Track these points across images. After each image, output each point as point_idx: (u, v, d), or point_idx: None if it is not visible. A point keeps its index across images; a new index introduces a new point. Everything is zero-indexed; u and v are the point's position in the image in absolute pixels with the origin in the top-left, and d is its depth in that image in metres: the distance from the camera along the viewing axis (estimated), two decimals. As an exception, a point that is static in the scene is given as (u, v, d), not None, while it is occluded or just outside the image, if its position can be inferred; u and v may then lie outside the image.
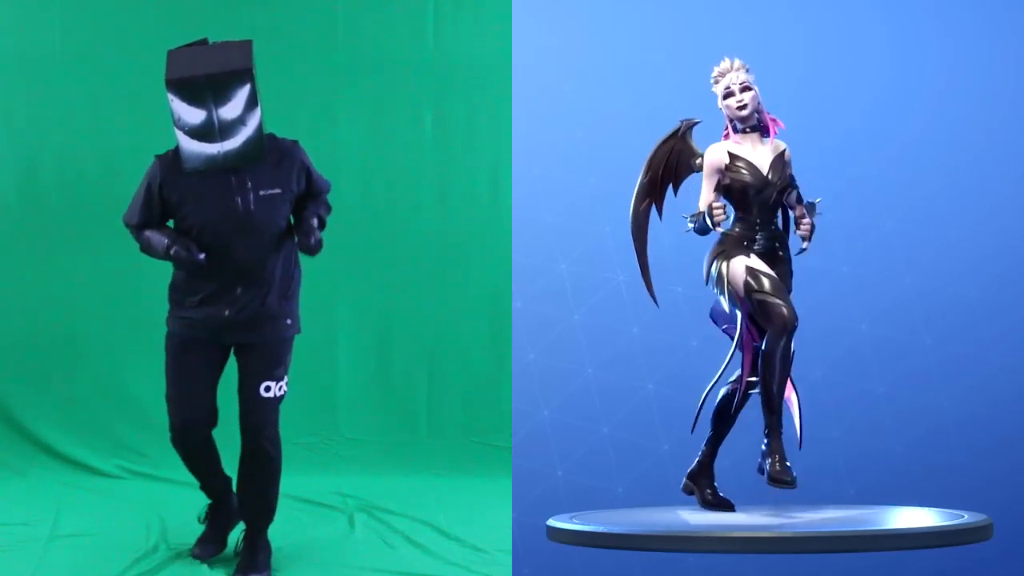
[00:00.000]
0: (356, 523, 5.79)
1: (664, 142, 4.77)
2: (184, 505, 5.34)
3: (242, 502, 5.06)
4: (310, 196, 5.00)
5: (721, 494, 4.78)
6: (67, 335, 6.49)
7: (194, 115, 4.58)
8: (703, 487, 4.79)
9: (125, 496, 5.58)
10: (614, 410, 5.66)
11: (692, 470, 4.81)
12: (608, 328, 5.68)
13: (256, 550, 5.07)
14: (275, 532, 5.64)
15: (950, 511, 4.71)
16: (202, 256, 4.72)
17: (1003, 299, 5.64)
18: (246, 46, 4.69)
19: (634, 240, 4.75)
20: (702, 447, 4.78)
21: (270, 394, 4.89)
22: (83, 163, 6.35)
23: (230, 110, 4.59)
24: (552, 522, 4.65)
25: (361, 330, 6.70)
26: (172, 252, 4.73)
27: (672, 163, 4.75)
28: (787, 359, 4.56)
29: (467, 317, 6.70)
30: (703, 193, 4.67)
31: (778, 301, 4.54)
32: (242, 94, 4.58)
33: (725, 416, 4.71)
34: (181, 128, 4.61)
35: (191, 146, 4.62)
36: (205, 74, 4.55)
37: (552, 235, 5.73)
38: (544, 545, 4.73)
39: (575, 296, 5.72)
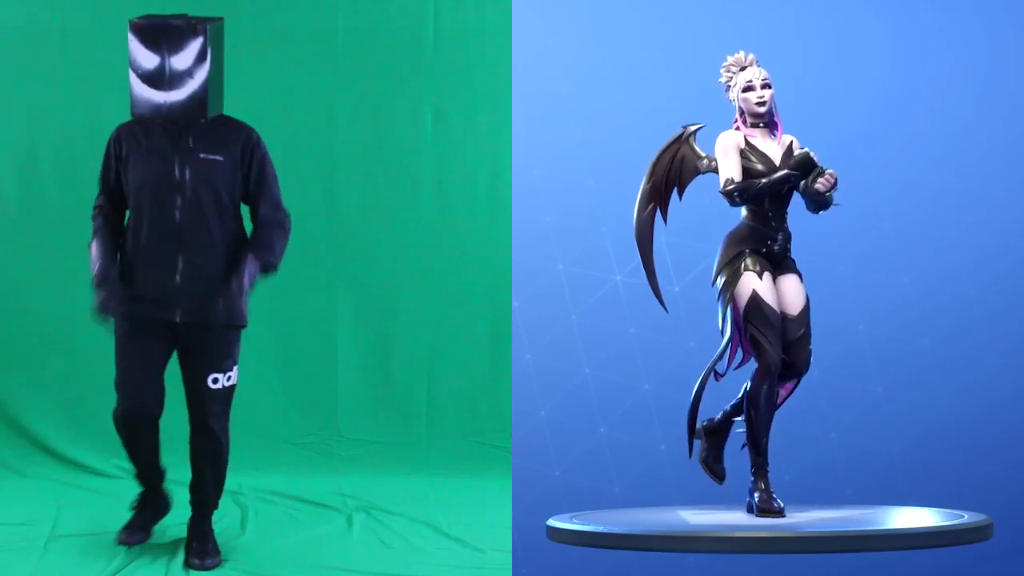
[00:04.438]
0: (354, 523, 5.78)
1: (667, 148, 4.77)
2: (182, 505, 5.34)
3: (192, 488, 5.22)
4: (260, 198, 5.07)
5: (721, 464, 4.78)
6: (67, 334, 6.47)
7: (148, 59, 4.87)
8: (712, 446, 4.79)
9: (125, 496, 5.57)
10: (611, 410, 5.66)
11: (713, 423, 4.79)
12: (605, 328, 5.68)
13: (206, 536, 5.23)
14: (274, 531, 5.65)
15: (950, 511, 4.71)
16: (111, 317, 4.97)
17: (1003, 300, 5.64)
18: (213, 19, 5.01)
19: (639, 246, 4.74)
20: (729, 407, 4.76)
21: (218, 386, 5.05)
22: (83, 162, 6.32)
23: (181, 60, 4.86)
24: (552, 522, 4.65)
25: (361, 330, 6.69)
26: (96, 284, 4.97)
27: (676, 168, 4.75)
28: (771, 401, 4.61)
29: (467, 317, 6.69)
30: (724, 168, 4.63)
31: (768, 347, 4.57)
32: (194, 46, 4.85)
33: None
34: (135, 71, 4.88)
35: (141, 91, 4.89)
36: (164, 22, 4.89)
37: (550, 235, 5.73)
38: (544, 545, 4.73)
39: (572, 296, 5.71)
